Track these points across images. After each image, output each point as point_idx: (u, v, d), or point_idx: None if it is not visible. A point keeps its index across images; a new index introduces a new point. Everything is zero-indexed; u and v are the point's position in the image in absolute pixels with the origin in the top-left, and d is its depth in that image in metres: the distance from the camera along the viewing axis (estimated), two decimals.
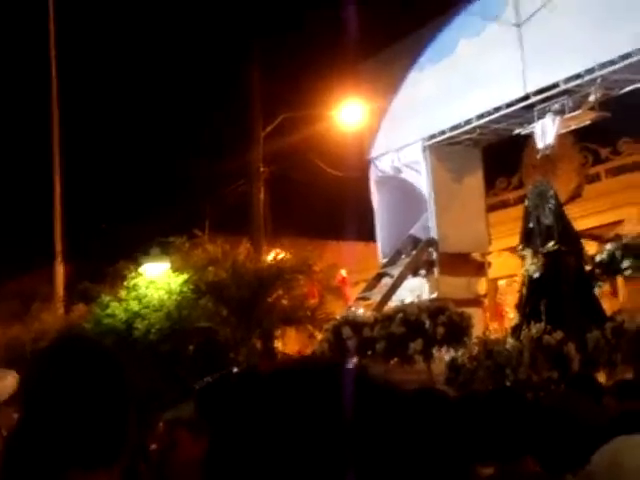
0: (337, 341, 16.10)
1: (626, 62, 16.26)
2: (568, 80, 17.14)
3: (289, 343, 24.09)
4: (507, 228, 22.94)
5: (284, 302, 21.49)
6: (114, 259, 21.87)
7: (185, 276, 20.91)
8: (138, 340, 20.04)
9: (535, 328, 14.51)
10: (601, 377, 13.18)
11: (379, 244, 21.41)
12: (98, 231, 25.52)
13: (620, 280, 17.92)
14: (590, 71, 16.75)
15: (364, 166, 21.85)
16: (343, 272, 23.65)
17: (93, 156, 25.80)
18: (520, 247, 16.73)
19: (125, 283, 20.94)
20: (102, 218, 25.62)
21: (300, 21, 24.05)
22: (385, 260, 20.67)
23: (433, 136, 19.99)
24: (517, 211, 24.28)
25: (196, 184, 24.80)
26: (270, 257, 22.65)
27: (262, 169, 23.42)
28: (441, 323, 15.53)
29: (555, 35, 16.99)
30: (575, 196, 25.64)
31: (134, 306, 20.60)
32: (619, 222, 23.98)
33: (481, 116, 18.95)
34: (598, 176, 26.84)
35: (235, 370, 17.40)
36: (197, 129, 26.84)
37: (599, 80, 16.91)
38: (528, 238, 16.36)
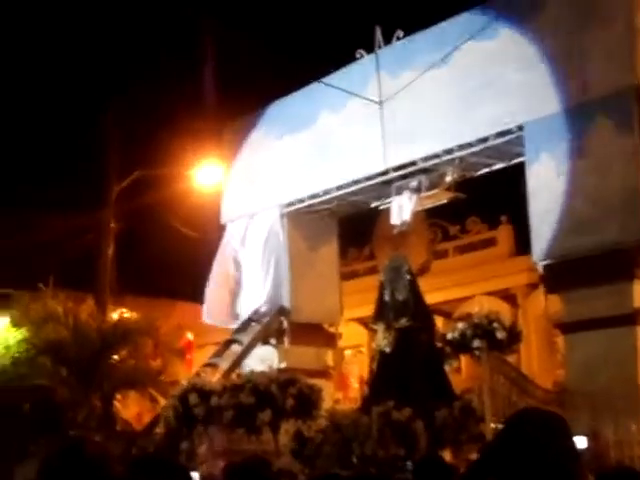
0: (183, 408, 15.61)
1: (483, 145, 16.70)
2: (426, 159, 17.44)
3: (129, 406, 23.42)
4: (356, 298, 23.09)
5: (127, 364, 20.90)
6: None
7: (24, 332, 20.08)
8: None
9: (384, 403, 14.46)
10: (447, 455, 13.25)
11: None
12: None
13: (464, 358, 18.21)
14: (448, 152, 17.10)
15: (220, 228, 21.60)
16: (189, 335, 23.25)
17: None
18: (373, 321, 16.76)
19: None
20: None
21: (164, 82, 23.81)
22: (237, 326, 20.34)
23: (291, 204, 19.96)
24: (366, 282, 24.55)
25: (43, 236, 23.96)
26: (115, 316, 22.05)
27: (113, 225, 22.85)
28: (291, 395, 15.30)
29: (416, 114, 17.30)
30: (423, 271, 26.08)
31: None
32: (465, 299, 24.54)
33: (340, 187, 19.05)
34: (446, 252, 27.48)
35: (73, 434, 16.68)
36: (48, 180, 26.11)
37: (457, 161, 17.30)
38: (382, 312, 16.41)
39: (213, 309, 21.21)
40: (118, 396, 21.81)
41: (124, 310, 22.55)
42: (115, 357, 21.12)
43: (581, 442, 11.57)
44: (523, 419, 2.97)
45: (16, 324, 20.33)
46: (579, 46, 14.96)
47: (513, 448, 2.81)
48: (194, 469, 12.31)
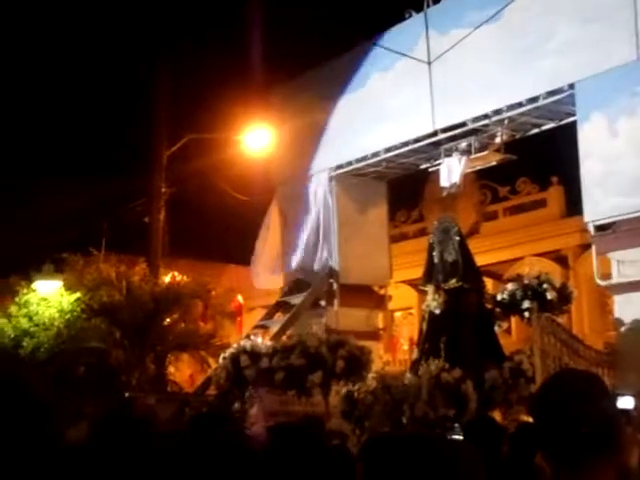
0: (235, 370, 15.79)
1: (533, 105, 16.47)
2: (476, 120, 17.28)
3: (181, 368, 23.73)
4: (405, 261, 23.12)
5: (180, 326, 21.16)
6: (5, 273, 21.23)
7: (78, 295, 20.40)
8: (25, 359, 19.42)
9: (434, 365, 14.48)
10: (496, 416, 13.26)
11: None
12: None
13: (514, 319, 18.13)
14: (498, 112, 16.92)
15: (270, 191, 21.66)
16: (240, 298, 23.41)
17: None
18: (422, 282, 16.76)
19: (16, 299, 20.33)
20: None
21: (211, 45, 23.83)
22: (286, 289, 20.44)
23: (340, 166, 19.92)
24: (415, 244, 24.58)
25: (94, 201, 24.24)
26: (167, 279, 22.28)
27: (164, 189, 23.02)
28: (341, 356, 15.40)
29: (465, 74, 17.11)
30: (473, 232, 26.03)
31: (24, 323, 20.00)
32: (515, 260, 24.44)
33: (389, 149, 18.95)
34: (496, 214, 27.35)
35: (128, 395, 16.96)
36: (99, 145, 26.37)
37: (506, 121, 17.12)
38: (431, 273, 16.39)
39: (262, 273, 21.33)
40: (170, 359, 22.12)
41: (176, 273, 22.77)
42: (167, 320, 21.40)
43: (628, 402, 11.55)
44: (562, 380, 2.97)
45: (69, 288, 20.65)
46: (631, 1, 14.67)
47: (555, 409, 2.81)
48: (245, 430, 12.47)
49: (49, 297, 20.43)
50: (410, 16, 18.54)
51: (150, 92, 23.54)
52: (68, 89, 26.48)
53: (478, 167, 18.56)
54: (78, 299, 20.36)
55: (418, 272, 17.69)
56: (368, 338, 18.26)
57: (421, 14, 18.24)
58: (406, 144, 18.59)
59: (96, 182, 24.37)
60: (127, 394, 17.21)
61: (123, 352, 20.20)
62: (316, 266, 19.80)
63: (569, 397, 2.79)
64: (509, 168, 20.38)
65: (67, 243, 21.80)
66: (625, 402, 11.17)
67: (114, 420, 3.06)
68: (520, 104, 16.57)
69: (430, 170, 19.76)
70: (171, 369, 22.66)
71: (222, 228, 25.96)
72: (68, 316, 20.19)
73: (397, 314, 27.82)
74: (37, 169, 25.59)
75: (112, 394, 17.23)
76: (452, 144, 17.92)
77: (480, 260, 18.07)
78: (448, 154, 18.05)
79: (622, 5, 14.70)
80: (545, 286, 15.44)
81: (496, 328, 16.20)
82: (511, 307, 15.70)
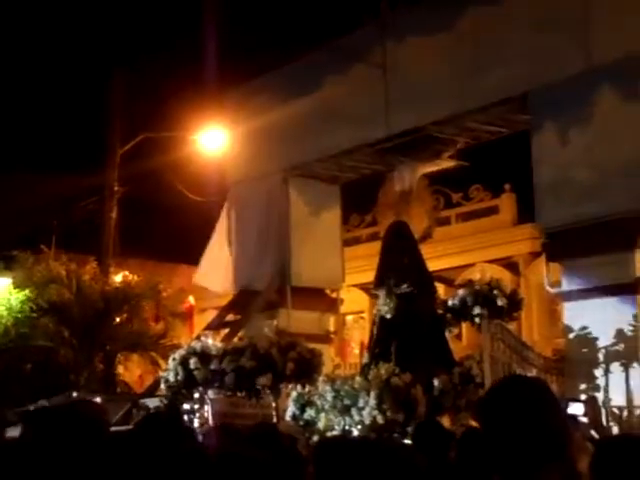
0: (184, 371, 15.69)
1: (486, 113, 16.58)
2: (430, 126, 17.31)
3: (131, 368, 23.58)
4: (357, 264, 23.18)
5: (130, 326, 21.03)
6: None
7: (27, 293, 20.18)
8: None
9: (384, 369, 14.52)
10: (445, 421, 13.33)
11: None
12: None
13: (465, 324, 18.26)
14: (452, 119, 16.99)
15: (224, 192, 21.57)
16: (191, 299, 23.30)
17: None
18: (374, 287, 16.79)
19: None
20: None
21: (167, 46, 23.78)
22: (236, 290, 20.34)
23: (294, 168, 19.89)
24: (368, 248, 24.61)
25: (45, 198, 23.99)
26: (118, 278, 22.12)
27: (116, 188, 22.85)
28: (291, 359, 15.38)
29: (420, 81, 17.14)
30: (425, 237, 26.08)
31: None
32: (467, 266, 24.61)
33: (343, 153, 18.96)
34: (449, 220, 27.50)
35: (73, 395, 16.76)
36: (51, 142, 26.12)
37: (460, 128, 17.21)
38: (382, 278, 16.43)
39: (209, 272, 21.14)
40: (120, 358, 21.97)
41: (127, 273, 22.62)
42: (117, 320, 21.25)
43: (578, 409, 11.70)
44: (509, 387, 2.95)
45: (19, 285, 20.41)
46: (585, 11, 14.81)
47: (501, 416, 2.80)
48: (194, 432, 12.40)
49: None
50: (367, 21, 18.55)
51: (105, 90, 23.37)
52: (20, 86, 26.22)
53: (431, 173, 18.63)
54: (27, 298, 20.14)
55: (370, 276, 17.74)
56: (319, 341, 18.27)
57: (378, 19, 18.26)
58: (360, 148, 18.62)
59: (47, 179, 24.12)
60: (74, 394, 17.04)
61: (72, 351, 20.03)
62: (268, 268, 19.73)
63: (516, 404, 2.78)
64: (462, 175, 20.52)
65: (17, 240, 21.58)
66: (574, 409, 11.31)
67: (46, 417, 3.03)
68: (473, 111, 16.64)
69: (384, 175, 19.78)
70: (120, 369, 22.51)
71: (175, 228, 25.84)
72: (16, 314, 19.95)
73: (348, 318, 27.88)
74: None
75: (59, 393, 17.05)
76: (406, 149, 17.96)
77: (432, 265, 18.17)
78: (402, 159, 18.09)
79: (575, 15, 14.85)
80: (496, 292, 15.55)
81: (447, 334, 16.28)
82: (462, 313, 15.80)
